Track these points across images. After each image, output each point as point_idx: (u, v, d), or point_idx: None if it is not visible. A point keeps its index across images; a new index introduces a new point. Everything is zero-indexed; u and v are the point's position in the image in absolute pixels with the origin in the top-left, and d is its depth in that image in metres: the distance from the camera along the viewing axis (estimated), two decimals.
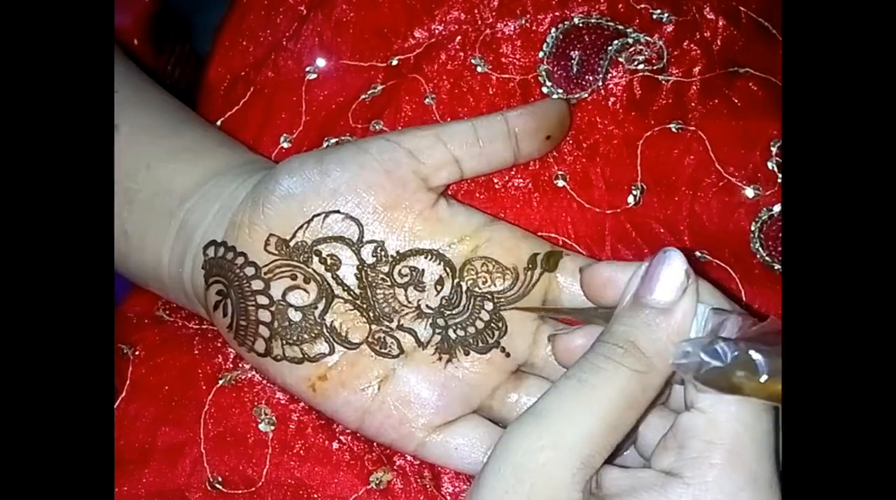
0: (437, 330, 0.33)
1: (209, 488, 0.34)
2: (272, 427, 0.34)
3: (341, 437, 0.34)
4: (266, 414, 0.35)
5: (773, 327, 0.26)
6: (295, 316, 0.33)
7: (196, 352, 0.36)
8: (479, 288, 0.33)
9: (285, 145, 0.40)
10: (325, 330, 0.33)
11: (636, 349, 0.27)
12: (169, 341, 0.37)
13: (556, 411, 0.26)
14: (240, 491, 0.34)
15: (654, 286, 0.28)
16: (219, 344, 0.37)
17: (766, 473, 0.25)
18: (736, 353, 0.25)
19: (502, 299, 0.33)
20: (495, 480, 0.26)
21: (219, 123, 0.41)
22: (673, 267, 0.28)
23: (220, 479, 0.34)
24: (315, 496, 0.33)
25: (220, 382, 0.35)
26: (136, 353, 0.37)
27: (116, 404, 0.36)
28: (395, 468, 0.34)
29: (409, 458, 0.34)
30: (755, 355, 0.25)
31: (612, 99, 0.37)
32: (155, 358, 0.37)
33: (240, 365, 0.36)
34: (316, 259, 0.33)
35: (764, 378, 0.25)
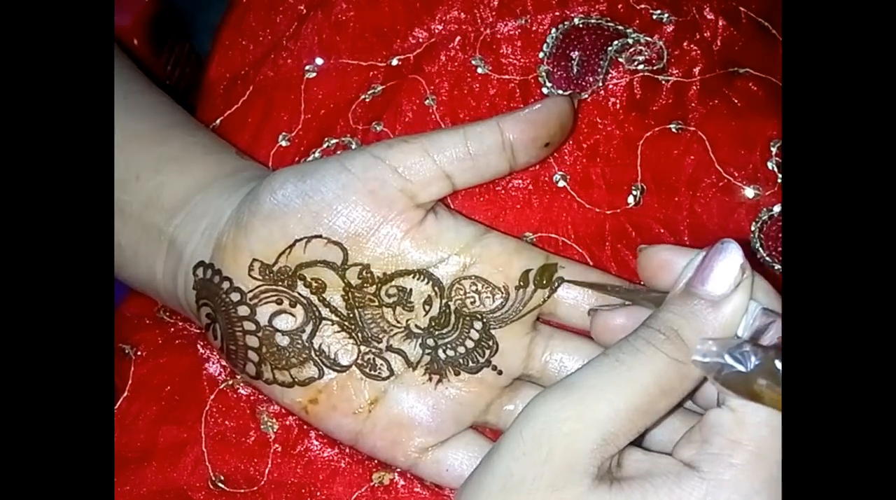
0: (427, 350, 0.33)
1: (211, 486, 0.34)
2: (274, 429, 0.34)
3: None
4: (268, 415, 0.35)
5: None
6: (282, 341, 0.32)
7: (198, 354, 0.36)
8: (468, 308, 0.33)
9: (284, 144, 0.40)
10: (313, 354, 0.32)
11: (678, 338, 0.26)
12: (171, 342, 0.37)
13: (586, 386, 0.26)
14: (242, 490, 0.34)
15: (708, 277, 0.27)
16: None
17: None
18: (760, 360, 0.25)
19: (492, 320, 0.33)
20: (514, 442, 0.26)
21: (218, 121, 0.41)
22: (729, 260, 0.27)
23: (222, 478, 0.34)
24: (317, 493, 0.33)
25: (222, 386, 0.35)
26: (139, 353, 0.37)
27: (118, 403, 0.36)
28: (396, 470, 0.34)
29: None
30: (779, 365, 0.24)
31: (612, 99, 0.37)
32: (157, 358, 0.37)
33: (237, 376, 0.36)
34: (301, 283, 0.32)
35: None
